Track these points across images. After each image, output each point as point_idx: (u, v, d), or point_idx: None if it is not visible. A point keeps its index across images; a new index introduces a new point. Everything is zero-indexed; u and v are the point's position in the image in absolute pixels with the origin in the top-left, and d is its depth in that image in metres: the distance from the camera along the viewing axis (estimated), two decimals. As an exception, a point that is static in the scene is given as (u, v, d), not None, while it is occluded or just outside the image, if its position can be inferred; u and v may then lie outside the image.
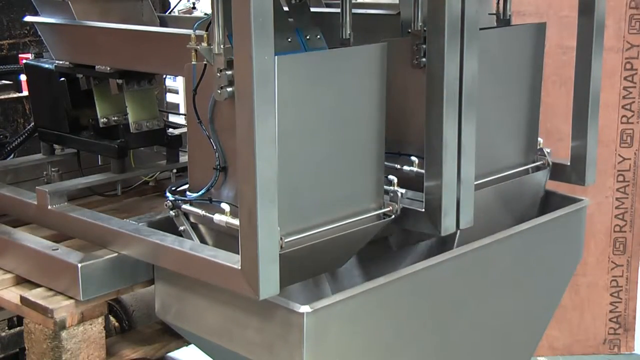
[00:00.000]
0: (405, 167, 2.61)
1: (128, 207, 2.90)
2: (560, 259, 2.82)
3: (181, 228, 2.39)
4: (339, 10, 2.60)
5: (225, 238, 2.26)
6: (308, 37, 2.44)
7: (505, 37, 2.70)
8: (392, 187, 2.45)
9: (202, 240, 2.38)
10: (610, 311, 4.27)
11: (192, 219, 2.38)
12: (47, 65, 2.97)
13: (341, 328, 2.19)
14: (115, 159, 2.86)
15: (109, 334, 2.66)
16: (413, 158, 2.59)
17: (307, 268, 2.42)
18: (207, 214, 2.27)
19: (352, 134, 2.33)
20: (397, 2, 2.76)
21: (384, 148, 2.42)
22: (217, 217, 2.22)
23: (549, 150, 2.84)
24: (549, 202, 2.84)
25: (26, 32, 3.58)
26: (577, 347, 4.30)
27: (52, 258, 2.49)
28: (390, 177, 2.46)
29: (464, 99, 2.39)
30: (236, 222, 2.12)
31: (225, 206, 2.21)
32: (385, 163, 2.50)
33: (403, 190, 2.44)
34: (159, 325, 2.78)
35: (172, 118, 3.48)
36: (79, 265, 2.39)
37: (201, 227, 2.38)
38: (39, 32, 3.01)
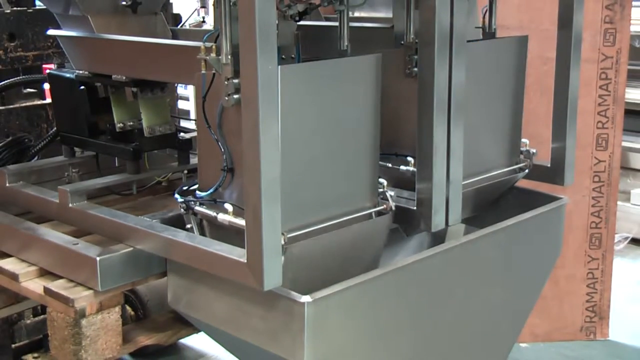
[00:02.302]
0: (402, 167, 2.60)
1: (142, 205, 2.89)
2: (541, 252, 2.82)
3: (190, 225, 2.38)
4: (337, 23, 2.59)
5: (230, 234, 2.25)
6: (283, 57, 2.42)
7: (490, 49, 2.70)
8: (383, 189, 2.43)
9: (210, 236, 2.36)
10: (587, 301, 4.28)
11: (200, 217, 2.37)
12: (68, 75, 2.96)
13: (340, 316, 2.19)
14: (131, 160, 2.86)
15: (125, 321, 2.66)
16: (409, 158, 2.58)
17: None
18: (213, 213, 2.27)
19: (349, 137, 2.33)
20: (391, 16, 2.75)
21: (378, 151, 2.41)
22: (221, 217, 2.23)
23: (534, 151, 2.83)
24: (531, 200, 2.83)
25: (49, 44, 3.57)
26: (557, 334, 4.31)
27: (73, 252, 2.50)
28: (381, 180, 2.44)
29: (452, 105, 2.39)
30: (238, 220, 2.13)
31: (228, 206, 2.21)
32: (382, 163, 2.49)
33: (392, 193, 2.43)
34: (171, 314, 2.79)
35: (183, 123, 3.46)
36: (98, 258, 2.39)
37: (208, 224, 2.36)
38: (61, 44, 3.01)
